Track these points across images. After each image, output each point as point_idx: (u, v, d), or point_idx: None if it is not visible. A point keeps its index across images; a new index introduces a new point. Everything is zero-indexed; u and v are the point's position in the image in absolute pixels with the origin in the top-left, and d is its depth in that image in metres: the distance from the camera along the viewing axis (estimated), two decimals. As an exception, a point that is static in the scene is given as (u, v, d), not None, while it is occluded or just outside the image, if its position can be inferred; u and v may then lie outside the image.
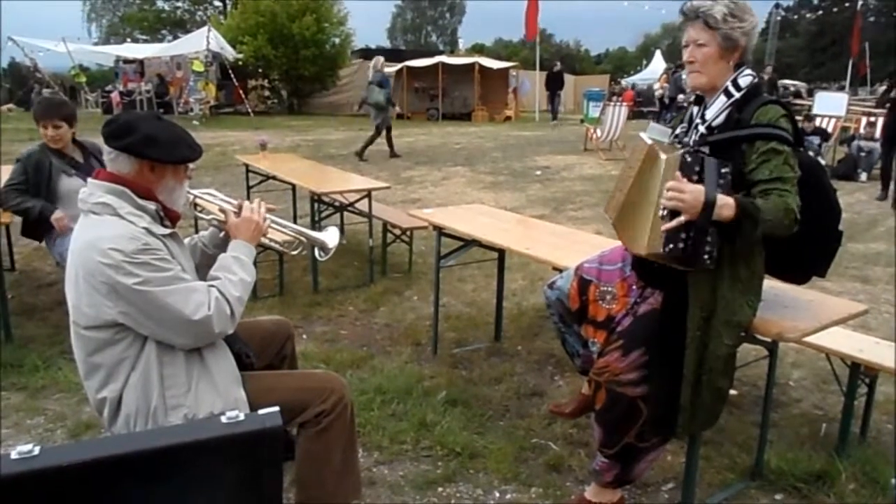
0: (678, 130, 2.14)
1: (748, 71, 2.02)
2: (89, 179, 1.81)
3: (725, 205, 1.81)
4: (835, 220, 2.07)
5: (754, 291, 2.02)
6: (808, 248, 2.01)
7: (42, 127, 3.60)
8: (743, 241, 1.89)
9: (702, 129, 2.03)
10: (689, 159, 1.85)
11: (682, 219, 1.82)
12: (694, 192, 1.80)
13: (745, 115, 1.96)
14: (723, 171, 1.86)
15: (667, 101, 15.48)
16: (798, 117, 2.13)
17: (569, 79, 26.09)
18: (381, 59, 11.74)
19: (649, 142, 2.00)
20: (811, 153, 2.05)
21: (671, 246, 1.85)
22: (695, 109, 2.11)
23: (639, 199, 1.99)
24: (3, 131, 11.59)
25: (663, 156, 1.91)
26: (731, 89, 2.00)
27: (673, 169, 1.86)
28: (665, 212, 1.84)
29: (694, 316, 1.96)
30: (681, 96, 12.84)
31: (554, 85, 19.64)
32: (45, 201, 3.55)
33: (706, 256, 1.87)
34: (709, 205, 1.80)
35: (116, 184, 1.76)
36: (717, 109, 2.01)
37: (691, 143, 2.04)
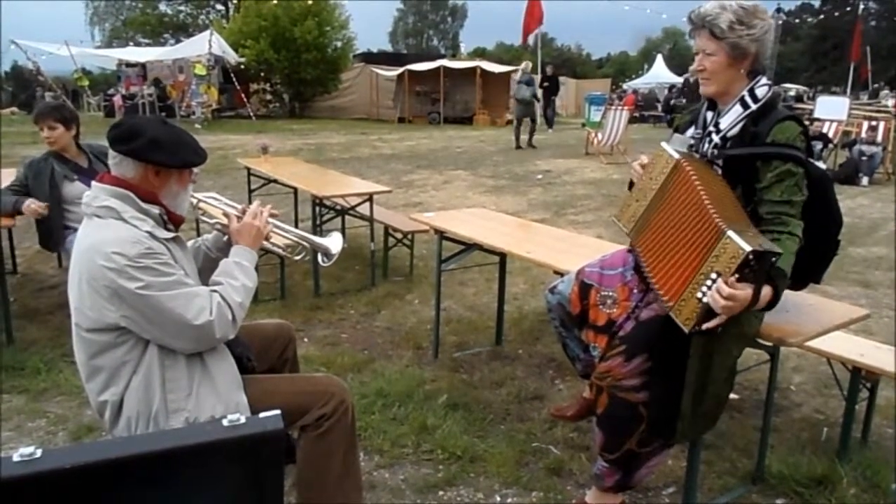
0: (689, 132, 2.13)
1: (764, 80, 1.99)
2: (93, 183, 1.81)
3: (765, 297, 1.79)
4: (836, 231, 2.08)
5: None
6: (809, 258, 2.00)
7: (39, 129, 3.65)
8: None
9: (716, 138, 2.02)
10: (751, 259, 1.70)
11: (722, 319, 1.77)
12: (744, 301, 1.74)
13: (761, 129, 1.94)
14: (773, 260, 1.77)
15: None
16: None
17: (570, 83, 26.10)
18: (529, 63, 14.85)
19: (676, 155, 1.96)
20: (814, 160, 2.05)
21: (697, 329, 1.82)
22: (708, 115, 2.09)
23: (667, 224, 1.94)
24: (6, 135, 11.63)
25: (732, 237, 1.72)
26: (748, 100, 1.97)
27: (729, 258, 1.72)
28: (706, 298, 1.76)
29: None
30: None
31: (548, 89, 17.68)
32: (51, 204, 3.56)
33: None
34: (753, 304, 1.76)
35: (121, 188, 1.76)
36: (732, 120, 1.99)
37: (706, 151, 2.04)
